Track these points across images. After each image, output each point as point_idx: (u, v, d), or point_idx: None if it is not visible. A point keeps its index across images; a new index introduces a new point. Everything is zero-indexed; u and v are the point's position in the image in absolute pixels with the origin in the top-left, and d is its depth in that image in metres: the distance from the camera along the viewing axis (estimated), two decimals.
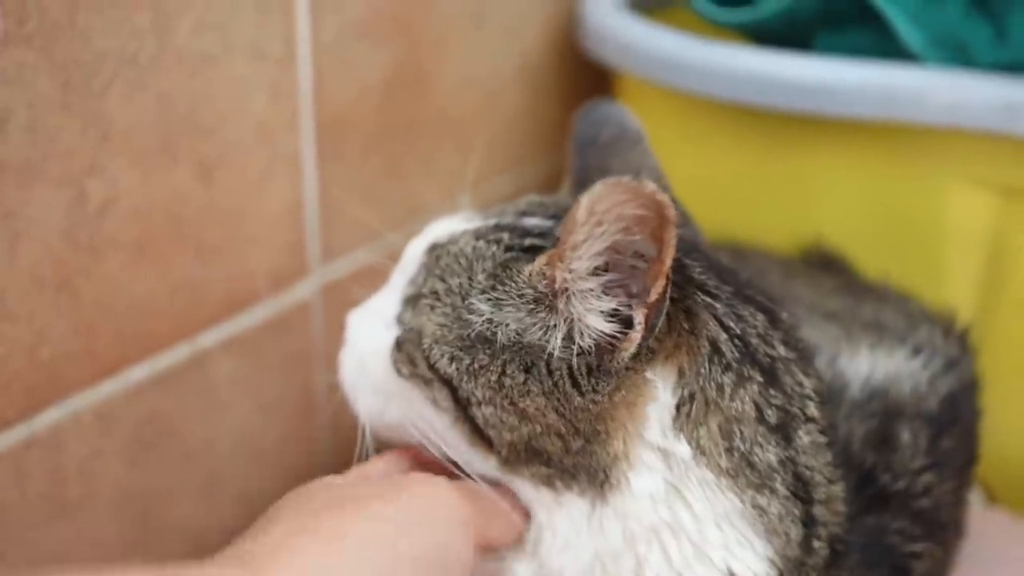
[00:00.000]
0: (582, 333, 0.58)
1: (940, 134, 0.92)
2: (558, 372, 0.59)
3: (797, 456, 0.61)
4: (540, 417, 0.59)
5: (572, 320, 0.58)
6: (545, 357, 0.59)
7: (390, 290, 0.68)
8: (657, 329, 0.58)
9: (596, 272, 0.57)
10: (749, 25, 0.99)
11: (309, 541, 0.53)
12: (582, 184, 0.69)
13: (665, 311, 0.58)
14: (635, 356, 0.58)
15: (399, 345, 0.64)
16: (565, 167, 0.75)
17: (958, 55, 0.93)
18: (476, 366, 0.60)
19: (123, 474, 0.83)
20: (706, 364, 0.60)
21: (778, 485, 0.61)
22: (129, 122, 0.76)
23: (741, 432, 0.60)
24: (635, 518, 0.60)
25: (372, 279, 0.70)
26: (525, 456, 0.60)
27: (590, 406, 0.59)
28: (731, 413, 0.60)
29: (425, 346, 0.62)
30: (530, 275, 0.60)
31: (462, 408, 0.61)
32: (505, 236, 0.63)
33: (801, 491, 0.61)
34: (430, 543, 0.57)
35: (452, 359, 0.61)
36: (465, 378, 0.60)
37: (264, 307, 0.90)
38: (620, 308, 0.58)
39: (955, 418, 0.76)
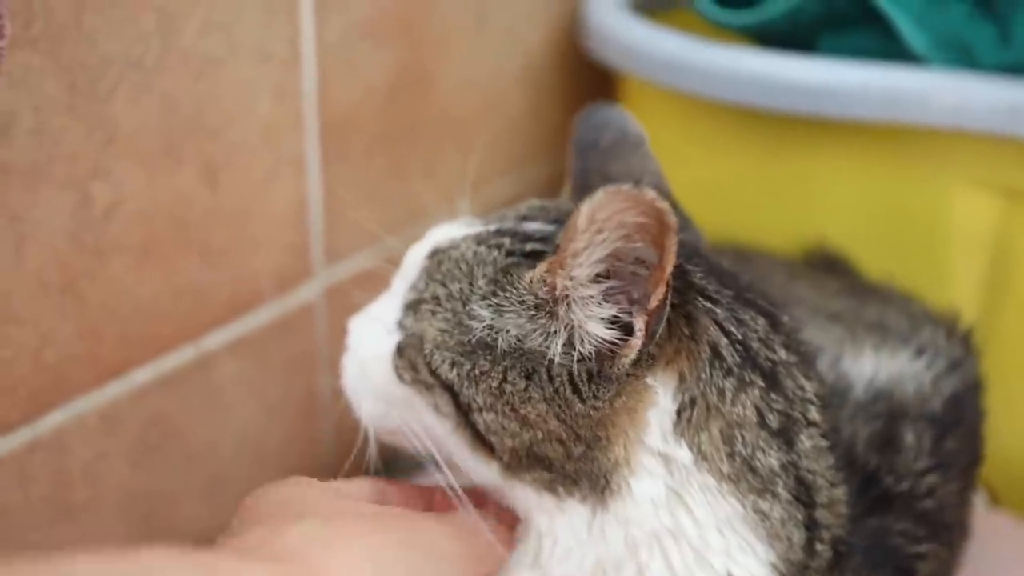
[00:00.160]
0: (583, 340, 0.58)
1: (944, 136, 0.92)
2: (559, 378, 0.59)
3: (799, 460, 0.61)
4: (541, 423, 0.59)
5: (573, 327, 0.58)
6: (546, 363, 0.59)
7: (392, 295, 0.68)
8: (658, 335, 0.58)
9: (597, 279, 0.57)
10: (752, 27, 0.99)
11: (337, 539, 0.54)
12: (582, 188, 0.69)
13: (666, 317, 0.58)
14: (636, 362, 0.58)
15: (400, 351, 0.64)
16: (567, 169, 0.75)
17: (962, 57, 0.93)
18: (477, 372, 0.60)
19: (127, 476, 0.83)
20: (707, 369, 0.60)
21: (780, 489, 0.61)
22: (134, 124, 0.76)
23: (742, 437, 0.60)
24: (636, 524, 0.60)
25: (375, 282, 0.70)
26: (527, 462, 0.60)
27: (591, 412, 0.58)
28: (732, 418, 0.60)
29: (426, 351, 0.62)
30: (531, 282, 0.60)
31: (463, 414, 0.61)
32: (506, 241, 0.63)
33: (803, 495, 0.61)
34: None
35: (453, 364, 0.61)
36: (466, 384, 0.60)
37: (268, 309, 0.90)
38: (620, 315, 0.57)
39: (959, 419, 0.76)
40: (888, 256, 0.95)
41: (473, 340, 0.61)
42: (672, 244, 0.54)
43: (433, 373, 0.62)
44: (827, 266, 0.95)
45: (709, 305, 0.61)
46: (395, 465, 0.77)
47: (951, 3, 0.94)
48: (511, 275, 0.61)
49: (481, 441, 0.61)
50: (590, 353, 0.58)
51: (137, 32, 0.74)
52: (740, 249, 0.93)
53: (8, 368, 0.73)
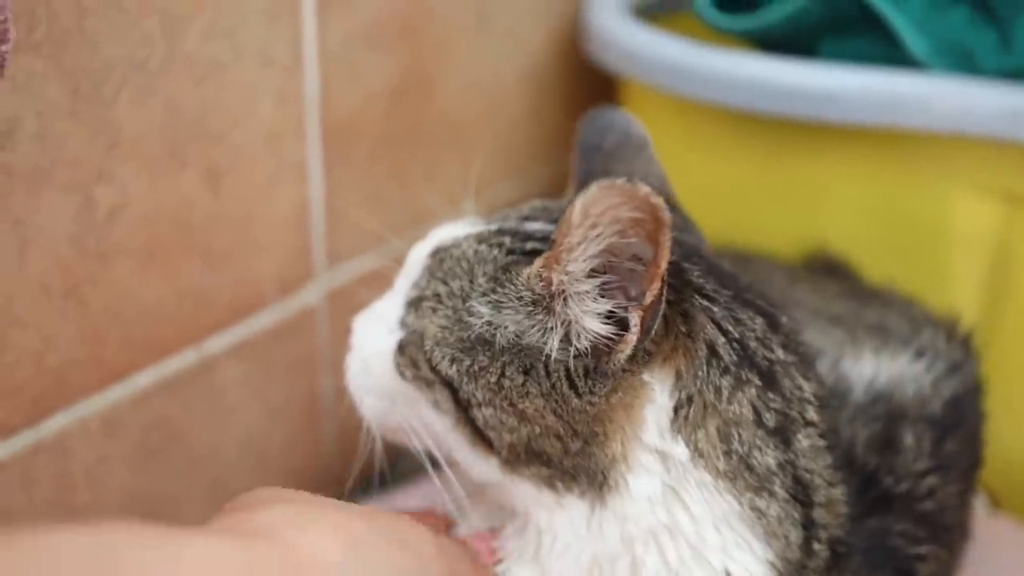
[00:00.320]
0: (579, 335, 0.59)
1: (945, 141, 0.92)
2: (556, 374, 0.59)
3: (796, 459, 0.61)
4: (539, 418, 0.59)
5: (569, 322, 0.59)
6: (543, 359, 0.59)
7: (394, 294, 0.68)
8: (653, 332, 0.58)
9: (592, 274, 0.58)
10: (754, 32, 0.99)
11: (311, 521, 0.53)
12: None
13: (661, 314, 0.58)
14: (631, 358, 0.58)
15: (402, 348, 0.65)
16: (569, 172, 0.76)
17: (963, 62, 0.94)
18: (476, 368, 0.61)
19: (130, 479, 0.83)
20: (704, 367, 0.60)
21: (777, 488, 0.61)
22: (137, 129, 0.76)
23: (739, 435, 0.60)
24: (633, 520, 0.60)
25: (377, 284, 0.70)
26: (525, 457, 0.61)
27: (587, 408, 0.59)
28: (729, 416, 0.60)
29: (427, 348, 0.63)
30: (528, 278, 0.60)
31: (463, 410, 0.62)
32: (507, 240, 0.64)
33: (801, 494, 0.61)
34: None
35: (453, 361, 0.61)
36: (465, 380, 0.61)
37: (270, 312, 0.91)
38: (616, 310, 0.58)
39: (959, 421, 0.76)
40: (889, 260, 0.95)
41: (472, 336, 0.61)
42: (666, 240, 0.54)
43: (433, 369, 0.62)
44: (828, 270, 0.95)
45: (706, 303, 0.61)
46: (398, 465, 0.77)
47: (952, 8, 0.94)
48: (510, 272, 0.61)
49: (480, 437, 0.62)
50: (586, 349, 0.59)
51: (140, 36, 0.75)
52: (740, 252, 0.93)
53: (11, 371, 0.73)
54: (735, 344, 0.61)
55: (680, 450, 0.59)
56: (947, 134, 0.91)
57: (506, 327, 0.60)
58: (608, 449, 0.59)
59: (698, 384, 0.60)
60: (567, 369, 0.59)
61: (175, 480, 0.86)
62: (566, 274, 0.58)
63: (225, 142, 0.82)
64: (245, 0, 0.81)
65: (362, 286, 0.76)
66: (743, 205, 1.04)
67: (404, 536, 0.57)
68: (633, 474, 0.60)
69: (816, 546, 0.62)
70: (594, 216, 0.55)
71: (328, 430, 0.98)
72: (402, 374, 0.64)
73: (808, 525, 0.62)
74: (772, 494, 0.61)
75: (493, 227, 0.66)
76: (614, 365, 0.58)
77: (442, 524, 0.67)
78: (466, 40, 1.02)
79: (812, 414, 0.63)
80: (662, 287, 0.56)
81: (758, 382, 0.61)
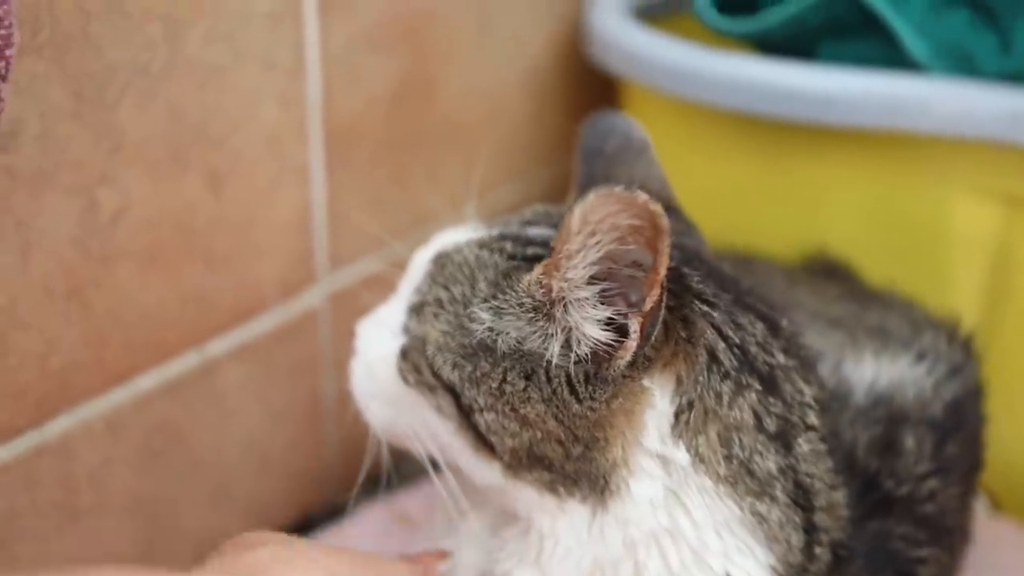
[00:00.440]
0: (579, 341, 0.59)
1: (945, 143, 0.92)
2: (556, 379, 0.59)
3: (797, 464, 0.62)
4: (540, 423, 0.60)
5: (569, 328, 0.59)
6: (544, 365, 0.60)
7: (397, 299, 0.68)
8: (653, 338, 0.58)
9: (592, 281, 0.58)
10: (754, 34, 0.99)
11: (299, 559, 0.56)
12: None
13: (661, 320, 0.58)
14: (632, 364, 0.58)
15: (405, 353, 0.65)
16: (571, 175, 0.76)
17: (963, 64, 0.94)
18: (478, 373, 0.61)
19: (133, 481, 0.83)
20: (704, 372, 0.60)
21: (778, 492, 0.61)
22: (140, 132, 0.76)
23: (740, 440, 0.60)
24: (635, 524, 0.60)
25: (379, 287, 0.71)
26: (527, 462, 0.61)
27: (588, 413, 0.59)
28: (730, 421, 0.60)
29: (429, 353, 0.63)
30: (528, 284, 0.60)
31: (465, 415, 0.62)
32: (508, 245, 0.64)
33: (802, 498, 0.62)
34: None
35: (455, 366, 0.62)
36: (467, 385, 0.61)
37: (272, 315, 0.91)
38: (616, 317, 0.58)
39: (959, 424, 0.76)
40: (889, 262, 0.95)
41: (474, 342, 0.61)
42: (665, 247, 0.54)
43: (435, 375, 0.62)
44: (828, 272, 0.95)
45: (706, 309, 0.61)
46: (401, 468, 0.77)
47: (952, 11, 0.94)
48: (511, 278, 0.62)
49: (483, 442, 0.62)
50: (587, 355, 0.59)
51: (143, 40, 0.75)
52: (740, 255, 0.94)
53: (15, 374, 0.74)
54: (735, 349, 0.61)
55: (681, 455, 0.60)
56: (947, 137, 0.91)
57: (507, 333, 0.61)
58: (609, 454, 0.59)
59: (699, 389, 0.60)
60: (568, 375, 0.59)
61: (178, 482, 0.87)
62: (566, 281, 0.58)
63: (227, 146, 0.83)
64: (247, 4, 0.81)
65: (364, 289, 0.76)
66: (743, 207, 1.04)
67: (383, 572, 0.59)
68: (634, 478, 0.60)
69: (817, 550, 0.62)
70: (593, 223, 0.55)
71: (330, 433, 0.98)
72: (405, 379, 0.65)
73: (809, 529, 0.62)
74: (773, 499, 0.61)
75: (495, 232, 0.66)
76: (614, 371, 0.58)
77: (432, 567, 0.68)
78: (468, 43, 1.02)
79: (813, 418, 0.63)
80: (662, 293, 0.57)
81: (759, 387, 0.61)
